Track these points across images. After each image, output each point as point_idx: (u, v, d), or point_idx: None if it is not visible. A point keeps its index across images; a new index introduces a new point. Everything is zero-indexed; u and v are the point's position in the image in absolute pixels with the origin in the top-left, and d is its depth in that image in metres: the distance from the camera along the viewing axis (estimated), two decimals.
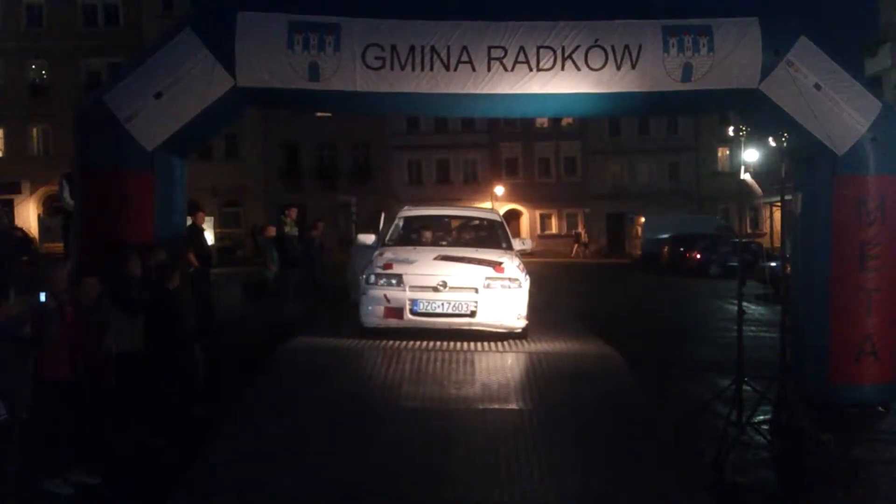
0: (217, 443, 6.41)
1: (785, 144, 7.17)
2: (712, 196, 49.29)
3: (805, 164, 8.96)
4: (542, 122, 49.73)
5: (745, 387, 7.38)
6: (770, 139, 7.37)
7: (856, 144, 8.59)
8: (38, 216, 41.66)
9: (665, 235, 36.42)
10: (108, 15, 43.50)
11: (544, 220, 49.63)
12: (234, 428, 6.68)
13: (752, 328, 16.25)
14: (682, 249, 34.16)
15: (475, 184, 49.18)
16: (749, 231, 46.47)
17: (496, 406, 7.08)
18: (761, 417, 7.48)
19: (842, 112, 8.55)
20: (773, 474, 6.92)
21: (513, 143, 49.98)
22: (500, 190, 47.63)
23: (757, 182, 7.98)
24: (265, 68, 8.46)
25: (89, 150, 8.59)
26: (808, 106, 8.52)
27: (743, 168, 7.62)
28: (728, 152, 50.30)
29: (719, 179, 49.88)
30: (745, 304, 18.88)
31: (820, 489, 6.52)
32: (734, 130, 7.57)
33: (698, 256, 32.82)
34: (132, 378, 6.80)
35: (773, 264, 25.21)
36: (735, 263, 31.44)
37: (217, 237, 42.05)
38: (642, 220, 39.84)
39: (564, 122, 49.67)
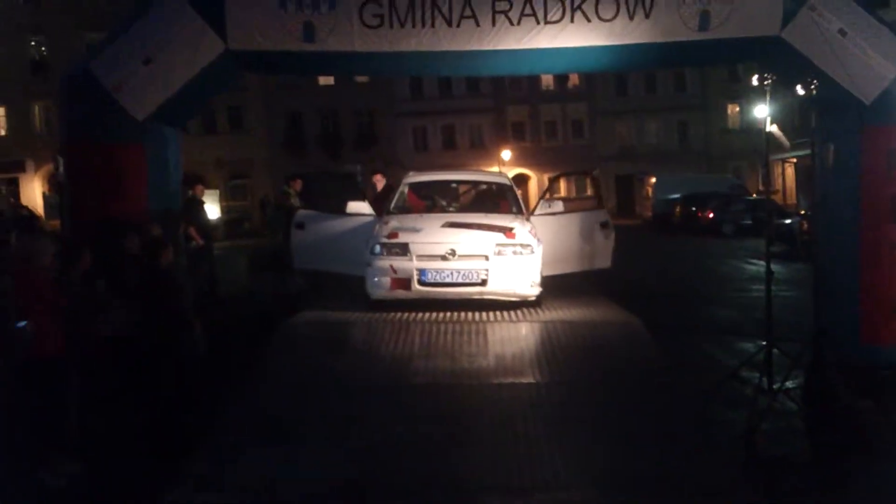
0: (219, 424, 6.07)
1: (815, 93, 6.71)
2: (722, 154, 48.82)
3: (830, 115, 8.50)
4: (548, 83, 49.21)
5: (774, 351, 7.00)
6: (798, 87, 6.90)
7: (884, 92, 8.09)
8: (43, 194, 41.47)
9: (676, 195, 35.94)
10: None
11: (552, 184, 49.10)
12: (237, 408, 6.35)
13: (772, 287, 15.87)
14: (693, 209, 33.75)
15: (482, 149, 48.70)
16: (760, 188, 45.99)
17: (511, 380, 6.71)
18: (790, 384, 7.06)
19: (869, 59, 8.06)
20: (808, 444, 6.54)
21: (519, 106, 49.41)
22: (507, 154, 47.14)
23: (784, 133, 7.51)
24: (257, 30, 8.03)
25: (77, 122, 8.22)
26: (833, 53, 8.03)
27: (769, 119, 7.14)
28: (738, 109, 49.77)
29: (729, 137, 49.41)
30: (761, 262, 18.54)
31: (858, 459, 6.15)
32: (758, 79, 7.10)
33: (711, 215, 32.40)
34: (126, 362, 6.44)
35: (787, 221, 24.94)
36: (748, 222, 31.18)
37: (224, 210, 41.95)
38: (653, 180, 39.36)
39: (570, 83, 49.13)
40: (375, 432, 5.83)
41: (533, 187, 48.25)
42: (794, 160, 41.22)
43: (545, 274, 9.11)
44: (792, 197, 42.48)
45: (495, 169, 40.62)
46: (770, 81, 6.96)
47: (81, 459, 5.92)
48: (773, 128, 7.22)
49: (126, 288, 6.69)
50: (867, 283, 8.31)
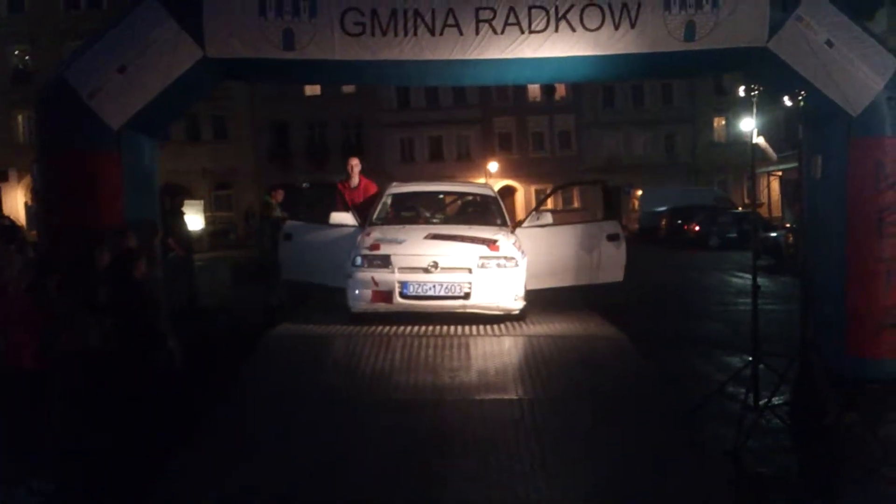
0: (195, 439, 5.88)
1: (802, 104, 6.61)
2: (709, 167, 48.95)
3: (817, 127, 8.42)
4: (535, 95, 49.32)
5: (760, 366, 6.88)
6: (786, 99, 6.80)
7: (871, 104, 8.02)
8: (25, 204, 41.09)
9: (662, 208, 36.00)
10: None
11: (539, 195, 49.06)
12: (212, 423, 6.15)
13: (758, 301, 15.79)
14: (679, 222, 33.79)
15: (468, 160, 48.70)
16: (746, 201, 46.10)
17: (494, 396, 6.53)
18: (776, 400, 6.93)
19: (856, 70, 7.98)
20: (796, 461, 6.40)
21: (505, 117, 49.48)
22: (493, 166, 47.12)
23: (770, 145, 7.42)
24: (236, 37, 7.88)
25: (52, 131, 8.07)
26: (821, 64, 7.95)
27: (755, 131, 7.04)
28: (724, 122, 49.95)
29: (716, 150, 49.58)
30: (747, 275, 18.45)
31: (846, 476, 6.03)
32: (745, 91, 6.99)
33: (697, 228, 32.43)
34: (98, 376, 6.25)
35: (773, 234, 24.94)
36: (734, 235, 31.20)
37: (209, 220, 41.67)
38: (639, 192, 39.41)
39: (558, 94, 49.27)
40: (354, 449, 5.67)
41: (520, 199, 48.22)
42: (780, 173, 41.35)
43: (538, 287, 8.96)
44: (777, 210, 42.61)
45: (482, 180, 40.59)
46: (757, 93, 6.85)
47: (55, 478, 5.72)
48: (759, 139, 7.14)
49: (96, 302, 6.50)
50: (853, 296, 8.21)
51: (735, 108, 46.38)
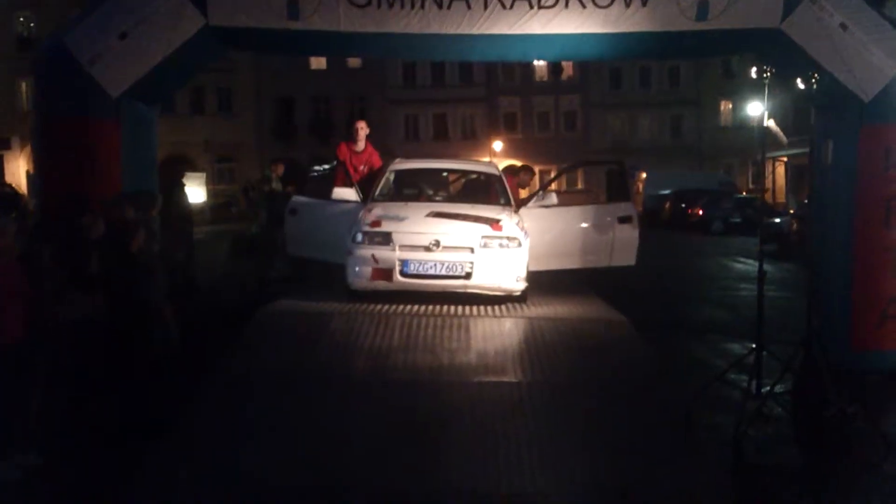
0: (185, 420, 5.78)
1: (815, 87, 6.46)
2: (714, 151, 48.73)
3: (828, 112, 8.27)
4: (542, 75, 49.04)
5: (763, 353, 6.78)
6: (798, 81, 6.65)
7: (884, 90, 7.89)
8: (27, 172, 40.91)
9: (667, 191, 35.84)
10: None
11: (544, 176, 48.85)
12: (205, 404, 6.04)
13: (755, 286, 15.67)
14: (683, 205, 33.66)
15: (473, 139, 48.52)
16: (750, 186, 45.91)
17: (493, 379, 6.41)
18: (779, 388, 6.83)
19: (870, 55, 7.84)
20: (797, 453, 6.31)
21: (511, 97, 49.26)
22: (498, 145, 46.92)
23: (782, 129, 7.27)
24: (239, 5, 7.77)
25: (50, 97, 7.98)
26: (834, 47, 7.80)
27: (766, 114, 6.89)
28: (731, 106, 49.66)
29: (722, 134, 49.36)
30: (749, 261, 18.38)
31: (847, 467, 5.95)
32: (756, 73, 6.84)
33: (700, 213, 32.36)
34: (89, 347, 6.14)
35: (776, 220, 24.80)
36: (738, 220, 31.05)
37: (211, 193, 41.54)
38: (644, 175, 39.18)
39: (564, 74, 48.93)
40: (348, 430, 5.54)
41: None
42: (786, 159, 41.19)
43: (541, 269, 8.82)
44: (782, 196, 42.46)
45: (486, 159, 40.38)
46: (768, 75, 6.69)
47: (41, 451, 5.64)
48: (770, 123, 6.98)
49: (86, 273, 6.37)
50: (859, 286, 8.14)
51: (742, 91, 46.21)
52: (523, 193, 10.67)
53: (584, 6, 7.85)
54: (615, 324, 7.78)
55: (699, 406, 6.87)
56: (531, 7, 7.85)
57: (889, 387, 7.91)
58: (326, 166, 10.03)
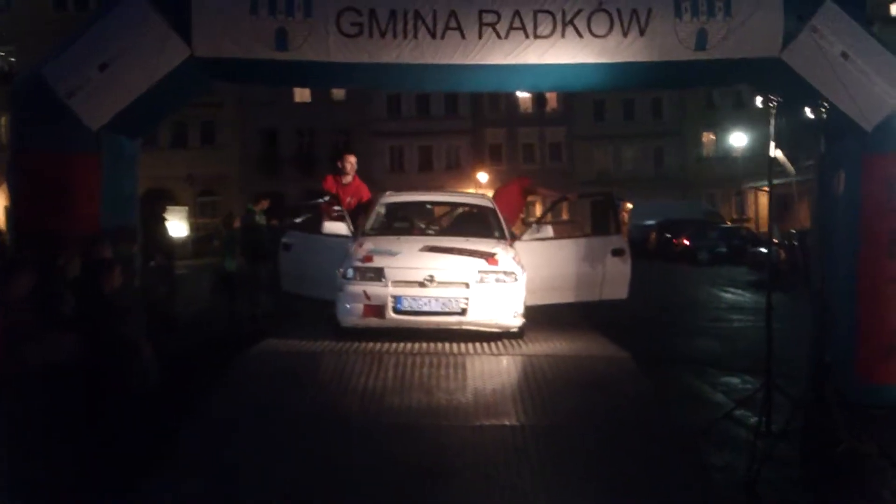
0: (165, 463, 5.44)
1: (824, 116, 6.27)
2: (697, 181, 48.92)
3: (829, 141, 8.10)
4: (527, 107, 49.24)
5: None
6: (807, 110, 6.47)
7: (886, 119, 7.72)
8: (6, 207, 40.36)
9: (652, 222, 35.79)
10: None
11: (529, 207, 48.81)
12: (185, 448, 5.71)
13: (746, 316, 15.58)
14: (668, 236, 33.63)
15: (458, 170, 48.48)
16: (735, 216, 46.04)
17: (493, 422, 6.10)
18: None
19: (872, 84, 7.69)
20: (814, 494, 6.01)
21: (496, 129, 49.37)
22: (483, 177, 46.83)
23: (789, 159, 7.08)
24: (226, 36, 7.52)
25: (26, 132, 7.67)
26: (836, 77, 7.64)
27: (773, 144, 6.70)
28: (713, 137, 49.95)
29: (705, 165, 49.58)
30: (738, 291, 18.18)
31: None
32: (762, 102, 6.66)
33: (686, 243, 32.32)
34: (63, 393, 5.78)
35: (763, 250, 24.71)
36: (723, 249, 30.99)
37: (193, 227, 41.14)
38: (629, 206, 39.15)
39: (549, 107, 49.22)
40: (340, 478, 5.23)
41: None
42: (767, 189, 41.25)
43: (537, 304, 8.58)
44: (765, 225, 42.53)
45: (472, 191, 40.23)
46: (775, 104, 6.51)
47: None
48: (777, 152, 6.78)
49: (60, 314, 6.04)
50: (864, 318, 7.90)
51: (724, 123, 46.63)
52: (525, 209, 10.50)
53: (580, 36, 7.67)
54: (617, 360, 7.53)
55: (706, 445, 6.62)
56: (527, 37, 7.66)
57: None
58: (327, 197, 9.72)
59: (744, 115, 45.10)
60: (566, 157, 49.81)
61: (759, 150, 44.10)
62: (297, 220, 10.69)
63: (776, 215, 34.56)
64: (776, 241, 29.22)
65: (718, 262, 29.49)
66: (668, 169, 50.31)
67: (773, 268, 9.43)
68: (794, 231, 23.28)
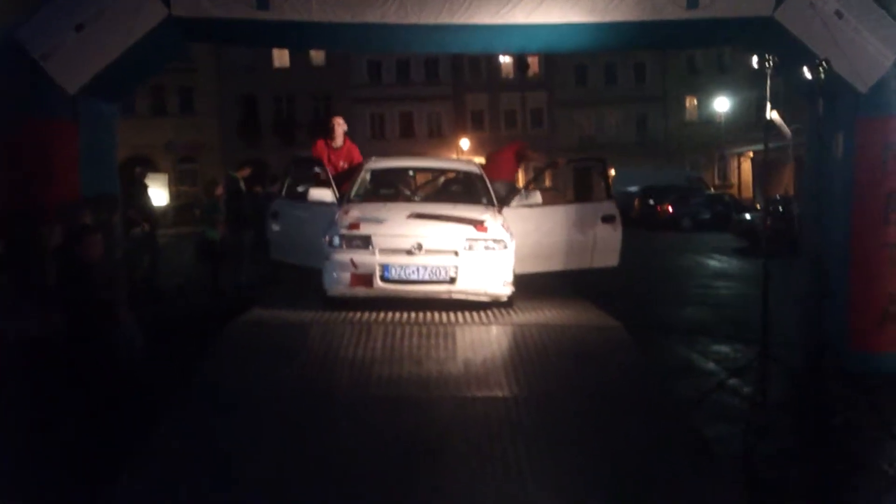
0: (150, 440, 5.27)
1: (823, 77, 6.11)
2: (680, 147, 48.90)
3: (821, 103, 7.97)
4: (508, 72, 48.95)
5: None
6: (805, 70, 6.31)
7: (881, 81, 7.60)
8: None
9: (635, 188, 35.68)
10: None
11: (542, 171, 48.66)
12: (171, 422, 5.54)
13: (733, 284, 15.55)
14: (652, 202, 33.53)
15: (440, 137, 48.21)
16: (717, 182, 46.07)
17: (485, 393, 5.95)
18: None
19: (866, 43, 7.54)
20: (811, 467, 5.91)
21: (478, 94, 49.05)
22: (465, 143, 46.61)
23: (785, 121, 6.92)
24: None
25: (1, 97, 7.32)
26: (830, 36, 7.48)
27: (769, 106, 6.54)
28: (696, 102, 49.82)
29: (688, 130, 49.56)
30: (724, 258, 18.12)
31: (863, 481, 5.59)
32: (758, 62, 6.49)
33: (670, 210, 32.27)
34: (46, 366, 5.62)
35: (747, 216, 24.65)
36: (707, 216, 30.96)
37: (174, 195, 40.74)
38: (612, 172, 39.01)
39: (530, 71, 48.84)
40: (329, 452, 5.09)
41: None
42: (751, 154, 41.28)
43: (526, 272, 8.43)
44: (747, 191, 42.61)
45: (454, 157, 39.98)
46: (771, 64, 6.33)
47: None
48: (774, 115, 6.62)
49: (44, 285, 5.86)
50: (858, 287, 7.84)
51: (707, 87, 46.49)
52: (521, 171, 10.34)
53: None
54: (608, 329, 7.40)
55: (701, 416, 6.52)
56: None
57: (891, 391, 7.59)
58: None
59: (727, 79, 45.05)
60: (548, 123, 49.57)
61: (742, 114, 44.29)
62: (276, 187, 10.47)
63: (760, 181, 34.41)
64: (759, 206, 29.28)
65: (702, 229, 29.45)
66: (651, 134, 50.25)
67: (762, 235, 9.37)
68: (778, 197, 23.27)
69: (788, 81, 8.16)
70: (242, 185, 13.13)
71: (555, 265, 8.97)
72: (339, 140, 10.02)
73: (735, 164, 45.43)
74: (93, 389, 5.93)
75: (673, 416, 5.97)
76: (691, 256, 21.20)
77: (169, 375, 6.54)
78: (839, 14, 7.51)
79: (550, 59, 47.00)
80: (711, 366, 8.56)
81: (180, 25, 7.46)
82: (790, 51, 7.56)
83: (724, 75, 45.89)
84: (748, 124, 41.53)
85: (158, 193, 30.31)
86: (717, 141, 45.32)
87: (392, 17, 7.43)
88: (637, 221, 32.39)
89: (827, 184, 7.74)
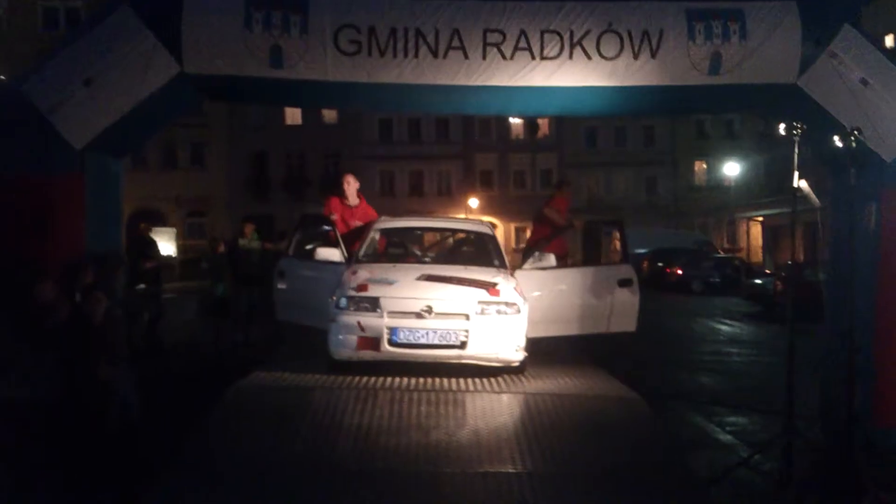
0: None
1: (854, 145, 5.93)
2: (688, 210, 48.86)
3: (846, 172, 7.77)
4: (518, 133, 49.31)
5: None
6: (836, 139, 6.13)
7: None
8: None
9: (643, 250, 35.42)
10: None
11: (519, 233, 48.62)
12: (166, 491, 5.26)
13: (746, 350, 15.26)
14: (661, 265, 33.31)
15: (449, 196, 48.35)
16: (726, 245, 45.91)
17: (496, 469, 5.66)
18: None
19: (892, 111, 7.37)
20: None
21: (487, 154, 49.26)
22: (474, 202, 46.71)
23: (813, 191, 6.72)
24: (218, 52, 7.13)
25: (6, 150, 7.16)
26: (855, 104, 7.32)
27: (796, 174, 6.35)
28: (705, 166, 49.96)
29: (696, 194, 49.59)
30: (735, 323, 17.75)
31: None
32: (786, 129, 6.32)
33: (679, 272, 32.01)
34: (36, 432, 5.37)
35: (758, 281, 24.38)
36: (717, 280, 30.69)
37: (181, 249, 40.69)
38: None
39: (540, 133, 49.17)
40: None
41: (499, 237, 47.52)
42: (761, 219, 41.20)
43: (539, 336, 8.16)
44: (756, 255, 42.42)
45: (462, 216, 39.96)
46: (799, 131, 6.16)
47: None
48: (802, 183, 6.43)
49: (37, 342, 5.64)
50: (883, 361, 7.50)
51: (716, 152, 46.64)
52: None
53: (589, 57, 7.33)
54: (627, 401, 7.10)
55: (720, 493, 6.23)
56: (533, 58, 7.32)
57: None
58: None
59: (735, 144, 45.22)
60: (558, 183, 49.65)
61: (750, 179, 44.33)
62: (284, 244, 10.27)
63: (769, 246, 34.21)
64: (768, 271, 29.11)
65: (712, 293, 29.19)
66: (660, 197, 50.31)
67: (788, 304, 9.12)
68: (790, 263, 23.00)
69: (809, 149, 7.98)
70: (253, 241, 12.99)
71: (569, 329, 8.69)
72: (353, 199, 9.84)
73: (744, 228, 45.34)
74: (78, 459, 5.68)
75: (695, 496, 5.67)
76: (702, 321, 20.93)
77: (163, 441, 6.29)
78: (864, 82, 7.36)
79: (561, 121, 47.27)
80: (729, 438, 8.26)
81: (192, 82, 7.33)
82: (812, 117, 7.39)
83: (733, 140, 46.09)
84: (757, 189, 41.54)
85: (167, 247, 30.27)
86: (726, 205, 45.27)
87: (408, 77, 7.30)
88: (646, 283, 32.10)
89: (853, 254, 7.51)
